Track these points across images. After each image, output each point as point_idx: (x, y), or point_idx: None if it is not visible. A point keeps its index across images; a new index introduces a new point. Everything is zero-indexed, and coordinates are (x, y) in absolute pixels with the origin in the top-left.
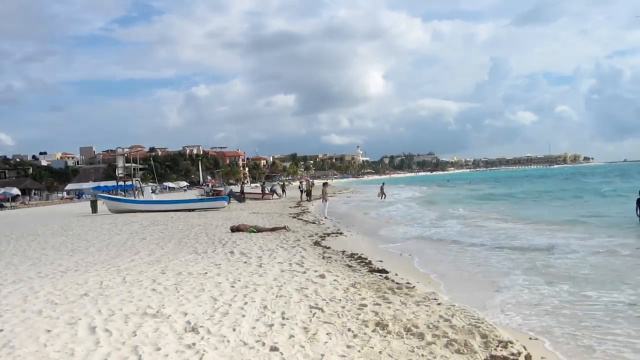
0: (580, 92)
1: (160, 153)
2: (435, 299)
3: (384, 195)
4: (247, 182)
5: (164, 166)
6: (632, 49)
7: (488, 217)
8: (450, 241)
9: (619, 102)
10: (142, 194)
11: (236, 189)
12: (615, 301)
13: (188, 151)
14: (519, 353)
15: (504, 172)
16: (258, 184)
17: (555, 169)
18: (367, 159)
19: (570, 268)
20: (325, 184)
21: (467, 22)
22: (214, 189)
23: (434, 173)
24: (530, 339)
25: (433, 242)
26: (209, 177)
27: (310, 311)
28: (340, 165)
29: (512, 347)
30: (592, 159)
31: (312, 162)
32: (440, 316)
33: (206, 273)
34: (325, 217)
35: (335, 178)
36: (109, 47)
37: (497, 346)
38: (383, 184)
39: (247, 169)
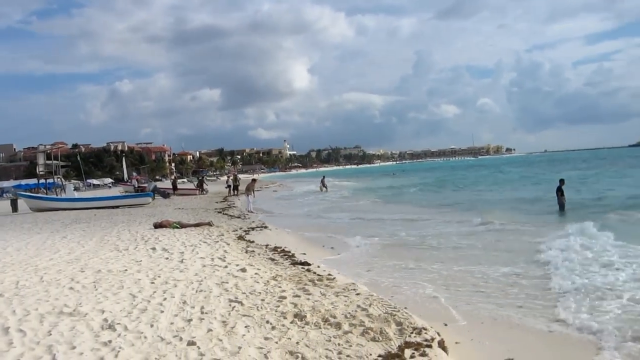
0: (501, 85)
1: (83, 150)
2: (354, 290)
3: (325, 188)
4: (174, 177)
5: (87, 163)
6: (551, 43)
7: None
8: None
9: (538, 94)
10: (64, 192)
11: (162, 185)
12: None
13: (112, 147)
14: (433, 339)
15: (439, 164)
16: (185, 180)
17: (479, 160)
18: (295, 153)
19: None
20: (253, 180)
21: (390, 17)
22: (139, 185)
23: (360, 166)
24: (445, 325)
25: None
26: (134, 174)
27: (230, 305)
28: (268, 159)
29: (426, 333)
30: (514, 149)
31: (239, 156)
32: (358, 306)
33: (126, 270)
34: (250, 211)
35: (263, 172)
36: (27, 40)
37: (412, 333)
38: (324, 177)
39: (173, 164)
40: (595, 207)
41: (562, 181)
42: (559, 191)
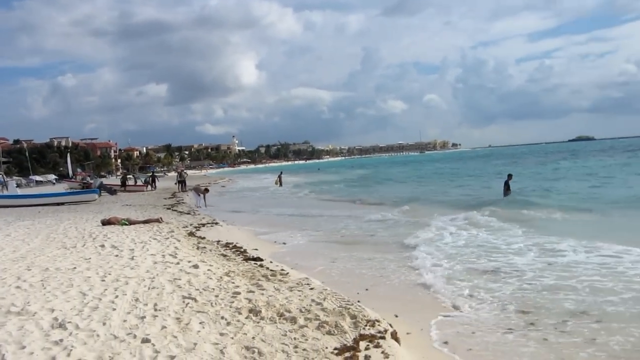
0: (447, 81)
1: (25, 145)
2: (308, 284)
3: (279, 184)
4: (123, 173)
5: (30, 159)
6: (495, 40)
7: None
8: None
9: (483, 90)
10: (7, 189)
11: (108, 181)
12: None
13: (56, 143)
14: (386, 330)
15: (384, 159)
16: (132, 175)
17: (424, 155)
18: (243, 148)
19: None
20: (206, 190)
21: (337, 13)
22: (83, 181)
23: (308, 162)
24: (396, 316)
25: (310, 232)
26: (79, 170)
27: (184, 301)
28: (216, 155)
29: (379, 325)
30: (460, 145)
31: (187, 152)
32: (313, 300)
33: (75, 268)
34: (199, 207)
35: (211, 168)
36: None
37: (366, 325)
38: (281, 172)
39: (119, 160)
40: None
41: (509, 176)
42: (506, 185)
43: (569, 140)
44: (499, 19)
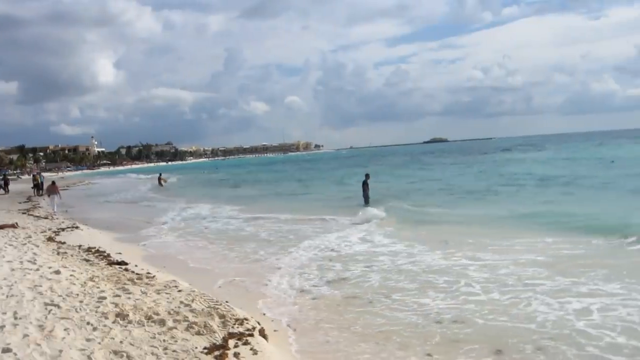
0: (309, 84)
1: None
2: (175, 286)
3: (161, 183)
4: None
5: None
6: (355, 44)
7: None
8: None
9: (343, 93)
10: None
11: None
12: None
13: None
14: (254, 328)
15: (249, 160)
16: None
17: (284, 157)
18: (103, 149)
19: None
20: (53, 183)
21: (198, 13)
22: None
23: (171, 163)
24: (263, 314)
25: (174, 232)
26: None
27: (46, 308)
28: (75, 157)
29: (247, 323)
30: (322, 146)
31: (42, 154)
32: (181, 302)
33: None
34: (55, 211)
35: (69, 171)
36: None
37: (234, 324)
38: (160, 174)
39: None
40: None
41: (367, 176)
42: (365, 185)
43: (424, 142)
44: (356, 25)
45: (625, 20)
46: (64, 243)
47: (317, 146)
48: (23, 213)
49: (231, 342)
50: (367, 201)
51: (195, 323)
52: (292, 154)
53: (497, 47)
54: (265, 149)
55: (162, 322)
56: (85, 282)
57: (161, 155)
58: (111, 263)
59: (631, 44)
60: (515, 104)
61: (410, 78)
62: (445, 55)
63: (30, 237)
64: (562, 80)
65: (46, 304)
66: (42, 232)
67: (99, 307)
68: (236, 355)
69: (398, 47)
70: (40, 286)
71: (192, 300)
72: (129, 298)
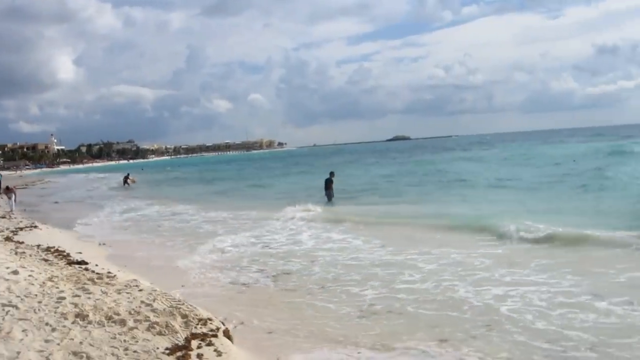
0: (271, 81)
1: None
2: (136, 286)
3: (128, 183)
4: None
5: None
6: (317, 42)
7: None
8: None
9: (305, 91)
10: None
11: None
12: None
13: None
14: (218, 328)
15: (209, 158)
16: None
17: (254, 154)
18: (63, 147)
19: None
20: (7, 188)
21: (158, 10)
22: None
23: (132, 161)
24: (228, 315)
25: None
26: None
27: (3, 309)
28: (33, 155)
29: (211, 323)
30: (286, 144)
31: (0, 152)
32: (142, 301)
33: None
34: (13, 211)
35: (28, 169)
36: None
37: (197, 324)
38: (128, 173)
39: None
40: None
41: (332, 174)
42: (330, 182)
43: (387, 140)
44: (318, 23)
45: (584, 19)
46: (22, 243)
47: (280, 144)
48: None
49: (194, 343)
50: (329, 199)
51: (157, 323)
52: (255, 151)
53: (458, 46)
54: (228, 147)
55: (122, 322)
56: (44, 282)
57: (123, 154)
58: (71, 263)
59: (589, 43)
60: (476, 102)
61: (373, 76)
62: (408, 54)
63: None
64: (522, 78)
65: (3, 305)
66: None
67: (58, 307)
68: (199, 356)
69: (360, 46)
70: None
71: (154, 300)
72: (89, 298)
